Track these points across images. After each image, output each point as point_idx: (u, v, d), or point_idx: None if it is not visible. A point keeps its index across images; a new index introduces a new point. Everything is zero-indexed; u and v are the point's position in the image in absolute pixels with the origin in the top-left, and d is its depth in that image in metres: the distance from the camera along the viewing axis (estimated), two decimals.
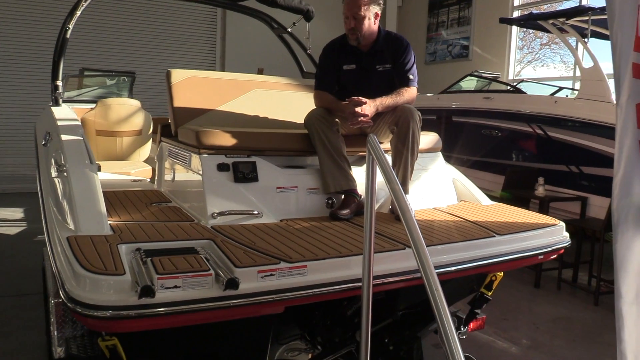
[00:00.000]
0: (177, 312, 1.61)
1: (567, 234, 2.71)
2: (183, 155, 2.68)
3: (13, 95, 7.83)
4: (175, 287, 1.63)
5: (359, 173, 2.71)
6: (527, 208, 5.27)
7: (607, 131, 5.13)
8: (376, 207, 2.76)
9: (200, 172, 2.40)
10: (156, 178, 3.17)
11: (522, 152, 6.31)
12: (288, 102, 3.19)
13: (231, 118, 2.93)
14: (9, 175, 7.82)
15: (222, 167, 2.41)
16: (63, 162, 2.36)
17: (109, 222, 2.19)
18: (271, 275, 1.77)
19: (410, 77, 2.75)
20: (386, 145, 2.94)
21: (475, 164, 6.62)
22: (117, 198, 2.72)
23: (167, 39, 8.76)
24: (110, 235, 1.99)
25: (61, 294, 1.64)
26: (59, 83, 3.25)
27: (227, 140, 2.47)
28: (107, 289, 1.59)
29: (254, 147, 2.53)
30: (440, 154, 3.17)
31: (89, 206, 2.11)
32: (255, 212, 2.38)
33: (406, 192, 2.62)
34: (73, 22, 3.35)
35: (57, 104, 3.36)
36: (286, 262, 1.82)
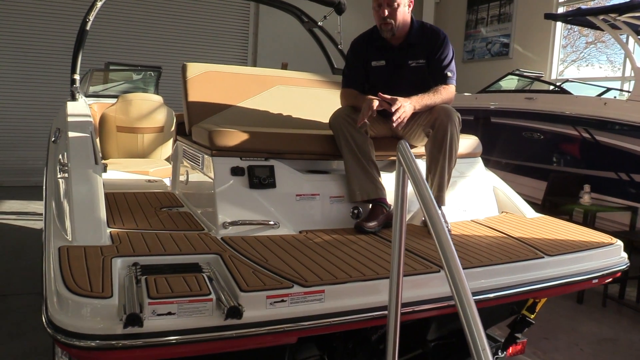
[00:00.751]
0: (169, 344, 1.38)
1: (625, 255, 2.39)
2: (196, 156, 2.46)
3: (42, 88, 7.81)
4: (170, 313, 1.39)
5: (388, 180, 2.44)
6: (570, 218, 4.90)
7: None
8: (407, 219, 2.49)
9: (212, 176, 2.17)
10: (170, 179, 2.97)
11: (566, 157, 5.91)
12: (314, 100, 2.93)
13: (250, 116, 2.69)
14: (40, 167, 7.82)
15: (236, 171, 2.18)
16: (66, 160, 2.17)
17: (109, 230, 1.98)
18: (282, 301, 1.53)
19: (449, 74, 2.46)
20: (420, 149, 2.65)
21: (515, 169, 6.24)
22: (125, 201, 2.52)
23: (198, 34, 8.61)
24: (107, 247, 1.78)
25: (43, 318, 1.43)
26: (77, 77, 3.09)
27: (242, 141, 2.24)
28: (92, 314, 1.37)
29: (272, 149, 2.29)
30: (480, 159, 2.87)
31: (87, 212, 1.91)
32: (272, 223, 2.14)
33: (441, 203, 2.33)
34: (94, 13, 3.18)
35: (73, 98, 3.22)
36: (300, 286, 1.57)
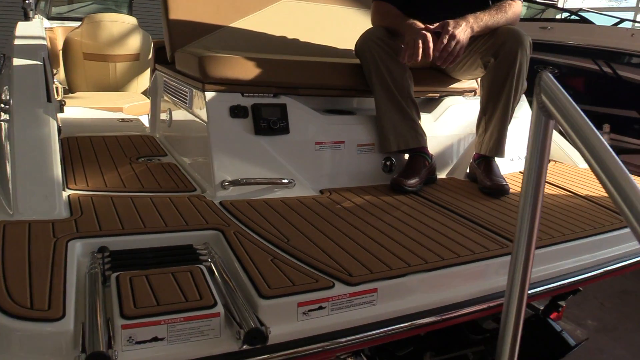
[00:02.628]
0: None
1: None
2: (182, 90, 1.90)
3: None
4: (155, 339, 0.90)
5: (427, 123, 1.92)
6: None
7: None
8: (448, 171, 2.00)
9: (205, 118, 1.62)
10: (149, 118, 2.41)
11: (585, 94, 5.41)
12: (331, 20, 2.31)
13: (249, 39, 2.10)
14: None
15: (237, 111, 1.64)
16: (8, 97, 1.61)
17: (67, 194, 1.46)
18: (320, 309, 1.04)
19: None
20: (466, 84, 2.12)
21: None
22: (92, 148, 1.97)
23: None
24: (62, 221, 1.26)
25: None
26: None
27: (244, 70, 1.67)
28: (31, 348, 0.87)
29: (283, 81, 1.73)
30: (524, 97, 2.35)
31: (34, 170, 1.38)
32: (285, 180, 1.62)
33: (501, 154, 1.83)
34: None
35: (26, 17, 2.61)
36: (344, 284, 1.09)
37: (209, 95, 1.63)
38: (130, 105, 3.19)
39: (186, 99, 1.83)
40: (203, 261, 1.16)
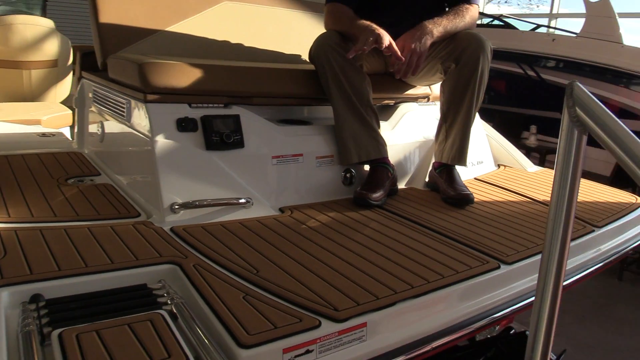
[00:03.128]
0: None
1: None
2: (117, 101, 1.69)
3: None
4: None
5: (385, 132, 1.84)
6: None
7: (612, 76, 4.53)
8: (407, 180, 1.93)
9: (149, 133, 1.43)
10: (76, 132, 2.15)
11: (510, 97, 5.63)
12: (276, 23, 2.18)
13: (189, 44, 1.92)
14: None
15: (184, 125, 1.46)
16: None
17: None
18: (307, 352, 0.91)
19: None
20: (420, 89, 2.06)
21: None
22: (10, 170, 1.71)
23: None
24: None
25: None
26: None
27: (191, 78, 1.50)
28: None
29: (235, 90, 1.58)
30: None
31: None
32: (242, 200, 1.47)
33: (463, 163, 1.77)
34: None
35: None
36: (331, 321, 0.95)
37: (152, 106, 1.44)
38: (49, 117, 2.88)
39: (123, 111, 1.62)
40: (162, 304, 0.98)
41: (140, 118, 1.50)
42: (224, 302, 0.98)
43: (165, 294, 1.02)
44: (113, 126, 1.76)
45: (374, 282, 1.11)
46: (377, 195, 1.62)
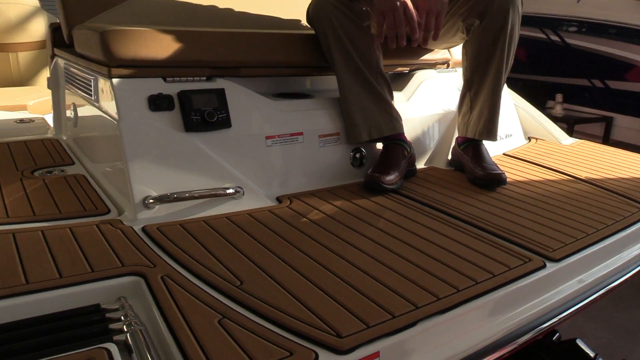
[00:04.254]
0: None
1: None
2: (85, 79, 1.45)
3: None
4: None
5: (399, 104, 1.58)
6: None
7: None
8: (426, 160, 1.68)
9: (115, 115, 1.20)
10: (52, 117, 1.93)
11: (533, 64, 5.28)
12: None
13: (168, 12, 1.66)
14: None
15: (158, 103, 1.22)
16: None
17: None
18: None
19: None
20: (439, 54, 1.79)
21: None
22: None
23: None
24: None
25: None
26: None
27: (165, 47, 1.25)
28: None
29: (219, 60, 1.33)
30: None
31: None
32: (230, 190, 1.23)
33: (493, 137, 1.51)
34: None
35: None
36: (332, 352, 0.72)
37: (118, 82, 1.20)
38: (36, 102, 2.66)
39: (90, 90, 1.39)
40: (115, 332, 0.76)
41: (107, 97, 1.26)
42: (192, 329, 0.75)
43: (122, 317, 0.80)
44: (85, 109, 1.53)
45: (387, 293, 0.87)
46: (391, 177, 1.37)
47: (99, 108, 1.34)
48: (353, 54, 1.40)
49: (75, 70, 1.56)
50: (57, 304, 0.84)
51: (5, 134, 1.86)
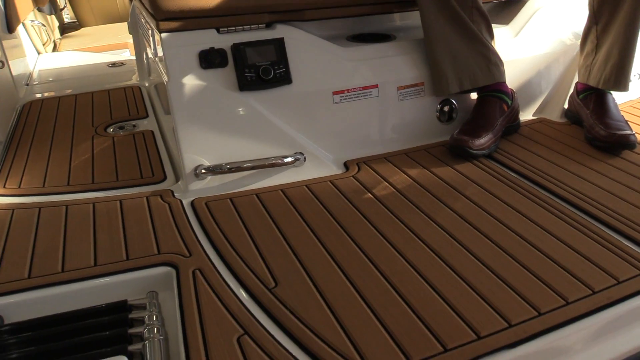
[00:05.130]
0: None
1: None
2: (146, 29, 1.37)
3: None
4: None
5: (502, 41, 1.29)
6: None
7: None
8: (534, 110, 1.39)
9: (165, 75, 1.10)
10: (136, 63, 1.91)
11: None
12: None
13: None
14: None
15: (210, 59, 1.09)
16: None
17: None
18: None
19: None
20: None
21: None
22: (54, 118, 1.52)
23: None
24: None
25: None
26: None
27: None
28: None
29: (279, 2, 1.15)
30: None
31: None
32: (289, 159, 1.10)
33: (623, 87, 1.18)
34: None
35: None
36: None
37: (166, 37, 1.09)
38: None
39: (150, 42, 1.30)
40: (133, 337, 0.70)
41: (158, 53, 1.16)
42: (207, 345, 0.66)
43: (145, 319, 0.73)
44: (151, 59, 1.46)
45: (469, 303, 0.70)
46: (482, 140, 1.14)
47: (157, 63, 1.25)
48: None
49: (142, 20, 1.48)
50: (87, 297, 0.80)
51: (93, 81, 1.88)
